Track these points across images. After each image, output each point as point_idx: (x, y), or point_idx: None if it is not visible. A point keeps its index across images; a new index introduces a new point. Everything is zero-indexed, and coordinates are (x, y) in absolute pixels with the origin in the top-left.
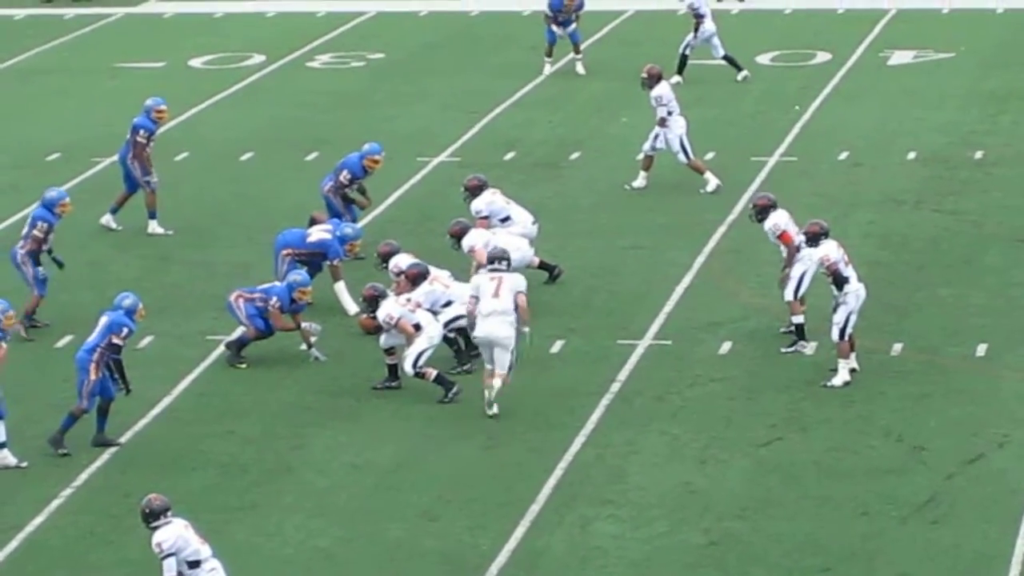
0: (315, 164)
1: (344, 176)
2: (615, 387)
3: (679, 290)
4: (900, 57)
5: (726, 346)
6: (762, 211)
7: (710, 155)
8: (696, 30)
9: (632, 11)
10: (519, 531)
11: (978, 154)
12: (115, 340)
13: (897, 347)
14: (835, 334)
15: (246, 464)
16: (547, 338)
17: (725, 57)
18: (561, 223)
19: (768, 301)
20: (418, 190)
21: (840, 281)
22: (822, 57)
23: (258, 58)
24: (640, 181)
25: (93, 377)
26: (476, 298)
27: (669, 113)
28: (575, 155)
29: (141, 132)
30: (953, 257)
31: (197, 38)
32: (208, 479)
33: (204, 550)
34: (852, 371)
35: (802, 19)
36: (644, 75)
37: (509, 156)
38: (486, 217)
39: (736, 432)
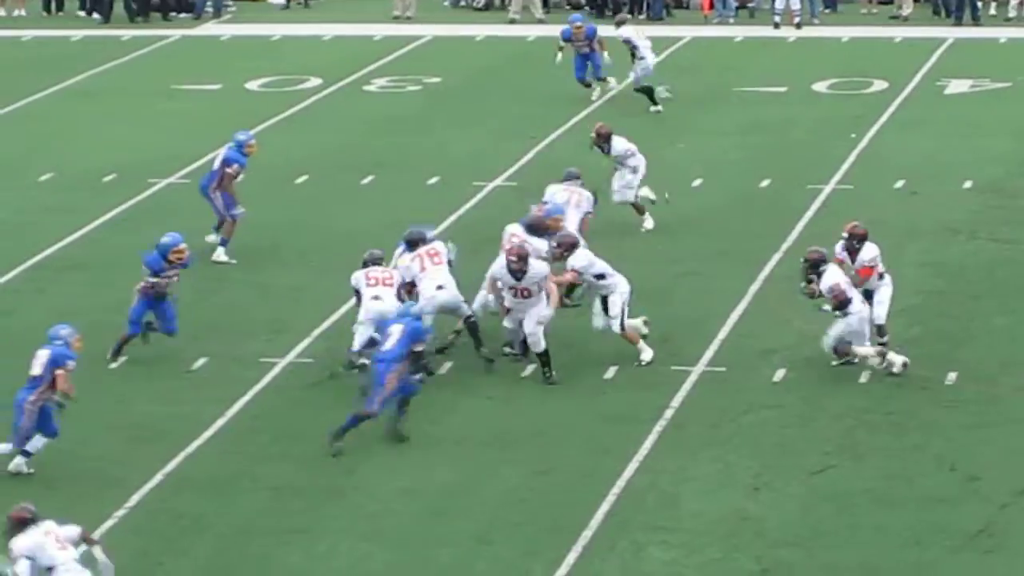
0: (370, 188)
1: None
2: (668, 414)
3: (733, 317)
4: (957, 86)
5: (780, 373)
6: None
7: (765, 182)
8: (634, 62)
9: (689, 37)
10: (571, 557)
11: None
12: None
13: (952, 376)
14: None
15: (299, 487)
16: (600, 364)
17: (643, 88)
18: (616, 248)
19: (822, 328)
20: (473, 214)
21: (844, 305)
22: (879, 85)
23: (315, 81)
24: (648, 223)
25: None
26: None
27: (633, 169)
28: None
29: (234, 166)
30: (1009, 287)
31: (254, 60)
32: (261, 502)
33: (62, 555)
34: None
35: (859, 47)
36: (594, 135)
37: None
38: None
39: (789, 460)
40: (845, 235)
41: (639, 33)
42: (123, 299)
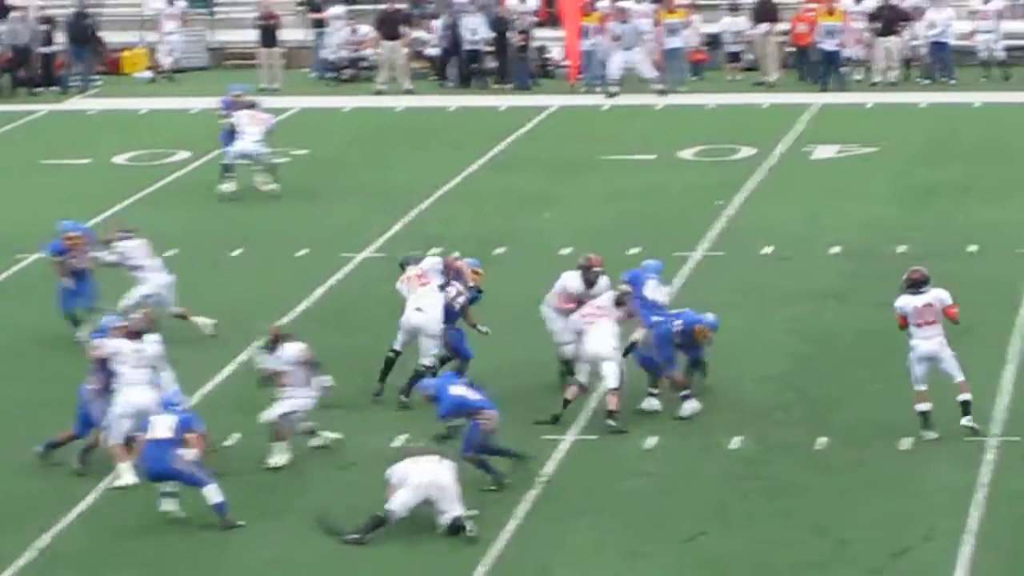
0: (240, 260)
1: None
2: (541, 482)
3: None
4: (824, 152)
5: (651, 441)
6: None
7: (634, 249)
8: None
9: (555, 107)
10: None
11: (901, 248)
12: None
13: (823, 441)
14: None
15: (172, 562)
16: None
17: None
18: (485, 319)
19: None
20: (342, 286)
21: None
22: (746, 152)
23: (183, 154)
24: None
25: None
26: None
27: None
28: (499, 250)
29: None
30: (879, 351)
31: (122, 134)
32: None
33: None
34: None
35: (726, 114)
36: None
37: (433, 252)
38: None
39: (662, 527)
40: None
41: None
42: None
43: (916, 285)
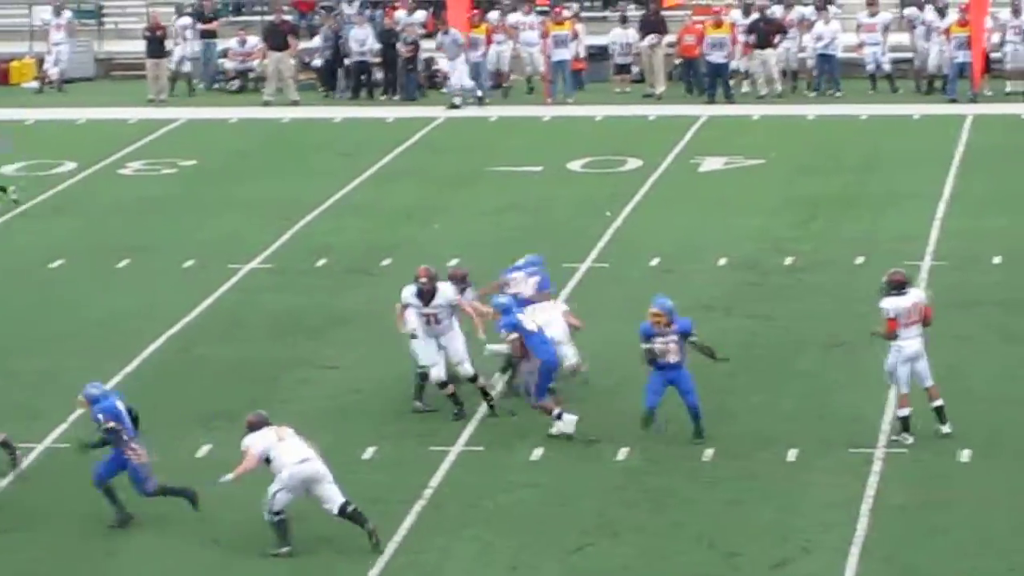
0: (126, 272)
1: None
2: (427, 493)
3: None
4: (711, 164)
5: (537, 452)
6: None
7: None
8: None
9: (442, 118)
10: None
11: (788, 260)
12: None
13: (709, 452)
14: None
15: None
16: (357, 445)
17: None
18: (372, 330)
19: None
20: (229, 297)
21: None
22: (633, 163)
23: (69, 165)
24: None
25: None
26: None
27: None
28: (386, 261)
29: None
30: (764, 363)
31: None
32: None
33: None
34: None
35: (613, 125)
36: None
37: (321, 263)
38: None
39: (547, 538)
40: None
41: None
42: None
43: (899, 287)
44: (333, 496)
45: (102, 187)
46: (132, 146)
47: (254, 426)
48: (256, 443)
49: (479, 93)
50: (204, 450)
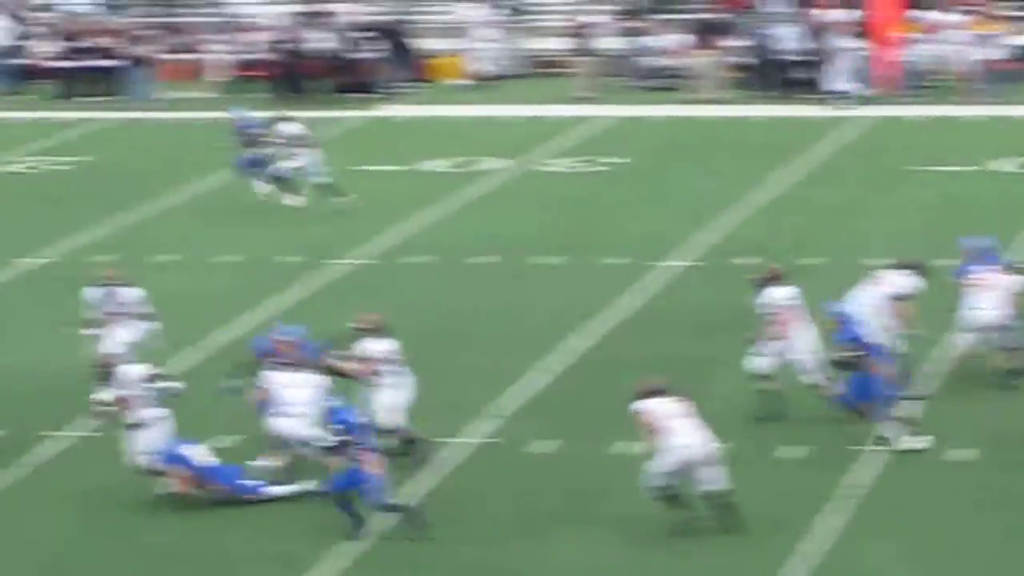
0: (553, 269)
1: None
2: (852, 492)
3: None
4: None
5: (965, 454)
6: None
7: (940, 261)
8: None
9: (859, 116)
10: None
11: None
12: None
13: None
14: None
15: (483, 566)
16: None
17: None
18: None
19: None
20: (655, 294)
21: None
22: None
23: (497, 162)
24: None
25: None
26: None
27: None
28: (814, 260)
29: None
30: None
31: (435, 141)
32: None
33: None
34: None
35: None
36: None
37: (750, 261)
38: None
39: (969, 544)
40: None
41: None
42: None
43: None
44: (716, 478)
45: (529, 184)
46: (559, 143)
47: (649, 393)
48: (650, 410)
49: (857, 93)
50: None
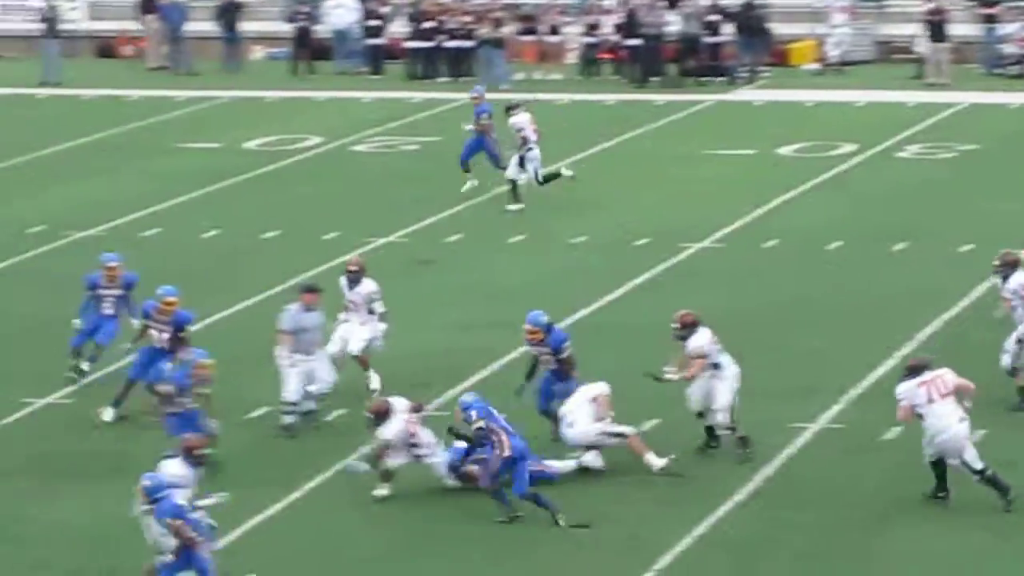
0: (902, 254)
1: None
2: None
3: None
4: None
5: None
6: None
7: None
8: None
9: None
10: None
11: None
12: None
13: None
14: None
15: (823, 552)
16: None
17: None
18: None
19: None
20: None
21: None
22: None
23: (848, 147)
24: None
25: None
26: None
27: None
28: None
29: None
30: None
31: (788, 126)
32: (781, 567)
33: None
34: None
35: None
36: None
37: None
38: None
39: None
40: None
41: (531, 122)
42: (650, 362)
43: None
44: (975, 456)
45: (880, 170)
46: (910, 129)
47: (913, 370)
48: (907, 394)
49: None
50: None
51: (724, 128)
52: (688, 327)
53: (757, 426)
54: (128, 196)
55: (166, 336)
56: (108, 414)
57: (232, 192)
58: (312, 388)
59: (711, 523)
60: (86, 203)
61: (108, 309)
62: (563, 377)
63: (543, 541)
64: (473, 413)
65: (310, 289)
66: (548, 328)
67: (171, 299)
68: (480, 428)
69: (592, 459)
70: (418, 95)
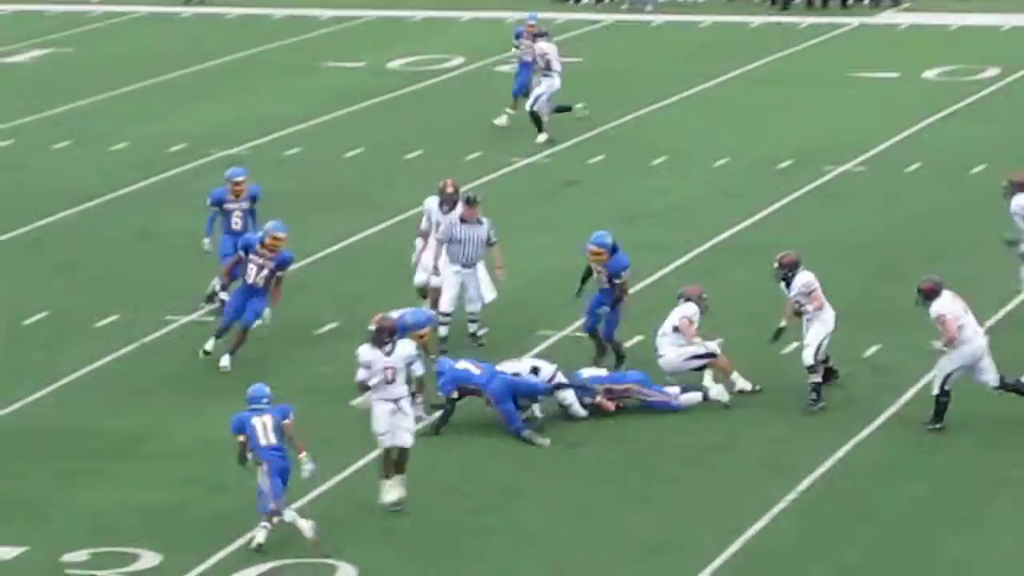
0: None
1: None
2: None
3: None
4: None
5: None
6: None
7: None
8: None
9: None
10: None
11: None
12: None
13: None
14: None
15: (964, 476)
16: None
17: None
18: None
19: None
20: None
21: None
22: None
23: (992, 71)
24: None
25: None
26: None
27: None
28: None
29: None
30: None
31: (932, 50)
32: (925, 489)
33: None
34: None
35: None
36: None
37: None
38: None
39: None
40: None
41: (557, 51)
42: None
43: None
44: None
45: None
46: None
47: (934, 291)
48: (949, 311)
49: None
50: None
51: (867, 51)
52: (789, 267)
53: (898, 351)
54: (271, 115)
55: (265, 273)
56: (211, 344)
57: (375, 112)
58: (469, 308)
59: (852, 447)
60: (229, 122)
61: (236, 224)
62: (612, 302)
63: (689, 464)
64: (440, 392)
65: (469, 201)
66: (613, 249)
67: (280, 235)
68: (454, 399)
69: (718, 393)
70: (561, 16)
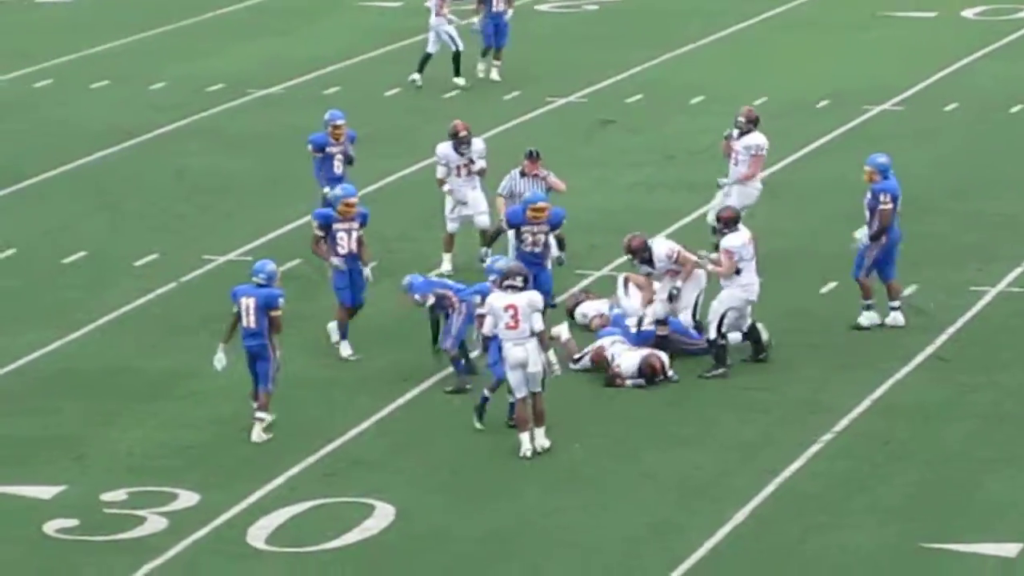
0: None
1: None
2: None
3: None
4: None
5: None
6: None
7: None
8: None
9: None
10: None
11: None
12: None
13: None
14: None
15: (1005, 416)
16: None
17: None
18: None
19: None
20: None
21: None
22: None
23: None
24: None
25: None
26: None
27: None
28: None
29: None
30: None
31: None
32: (965, 430)
33: None
34: None
35: None
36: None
37: None
38: None
39: None
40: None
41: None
42: (829, 223)
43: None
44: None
45: None
46: None
47: (732, 221)
48: (738, 247)
49: None
50: None
51: None
52: (639, 251)
53: (938, 289)
54: (308, 54)
55: (355, 236)
56: (334, 333)
57: (413, 51)
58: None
59: (889, 387)
60: (266, 61)
61: (338, 167)
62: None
63: (725, 406)
64: (417, 296)
65: (530, 156)
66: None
67: (352, 199)
68: (430, 305)
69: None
70: None
